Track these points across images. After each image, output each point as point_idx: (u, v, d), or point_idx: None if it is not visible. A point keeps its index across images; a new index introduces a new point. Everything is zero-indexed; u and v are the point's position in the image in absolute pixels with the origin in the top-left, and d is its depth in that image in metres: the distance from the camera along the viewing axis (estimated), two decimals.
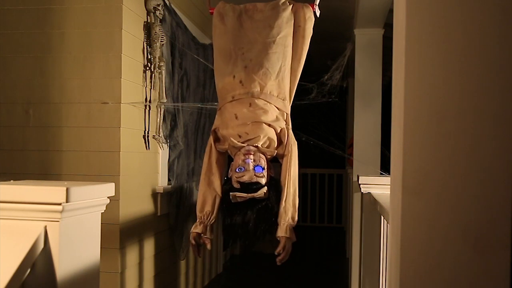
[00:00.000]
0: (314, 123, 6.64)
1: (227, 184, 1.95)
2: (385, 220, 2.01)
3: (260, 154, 1.90)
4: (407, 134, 0.74)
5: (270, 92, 1.96)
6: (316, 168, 7.48)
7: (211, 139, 2.03)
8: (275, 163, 2.02)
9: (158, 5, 2.87)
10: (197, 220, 2.00)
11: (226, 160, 2.09)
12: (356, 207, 3.89)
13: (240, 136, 1.93)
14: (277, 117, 1.97)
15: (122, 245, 2.62)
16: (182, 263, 3.60)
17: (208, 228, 1.99)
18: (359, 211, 3.76)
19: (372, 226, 2.60)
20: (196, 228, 1.99)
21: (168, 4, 3.07)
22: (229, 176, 1.95)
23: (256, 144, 1.91)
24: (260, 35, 2.05)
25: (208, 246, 2.00)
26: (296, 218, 1.92)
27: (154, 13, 2.87)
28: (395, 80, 0.80)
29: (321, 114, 7.23)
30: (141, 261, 2.88)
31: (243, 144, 1.91)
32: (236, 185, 1.88)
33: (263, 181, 1.88)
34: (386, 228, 2.03)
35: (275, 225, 1.91)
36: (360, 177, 2.75)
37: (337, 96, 4.12)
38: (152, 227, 3.03)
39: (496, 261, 0.71)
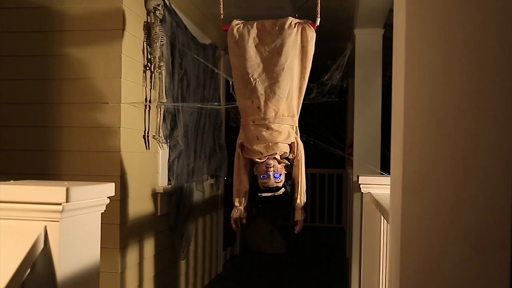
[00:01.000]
0: (314, 123, 6.65)
1: (255, 180, 2.52)
2: (385, 220, 2.01)
3: (278, 164, 2.43)
4: (407, 134, 0.74)
5: (282, 115, 2.38)
6: (316, 168, 7.48)
7: (238, 150, 2.53)
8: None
9: (158, 5, 2.87)
10: (234, 208, 2.60)
11: (249, 161, 2.61)
12: (356, 207, 3.89)
13: (262, 153, 2.43)
14: (289, 132, 2.41)
15: (122, 245, 2.62)
16: (182, 263, 3.60)
17: (243, 211, 2.60)
18: (359, 211, 3.75)
19: (372, 226, 2.60)
20: (235, 214, 2.59)
21: (168, 4, 3.07)
22: (254, 173, 2.50)
23: (274, 157, 2.42)
24: (271, 61, 2.38)
25: (244, 221, 2.64)
26: (305, 199, 2.54)
27: (154, 13, 2.86)
28: (395, 80, 0.80)
29: (321, 114, 7.23)
30: (141, 261, 2.88)
31: (264, 159, 2.43)
32: (261, 187, 2.47)
33: (281, 184, 2.47)
34: (386, 228, 2.03)
35: (288, 208, 2.66)
36: (360, 177, 2.75)
37: (337, 96, 4.12)
38: (152, 227, 3.03)
39: (496, 261, 0.71)
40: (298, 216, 2.57)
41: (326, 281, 4.76)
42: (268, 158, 2.43)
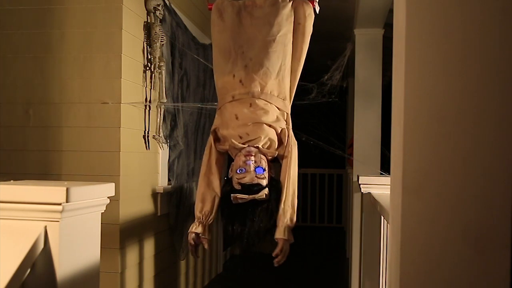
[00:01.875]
0: (314, 123, 6.64)
1: (227, 185, 1.93)
2: (385, 220, 2.01)
3: (261, 155, 1.89)
4: (407, 134, 0.74)
5: (270, 92, 1.95)
6: (316, 168, 7.48)
7: (211, 139, 2.01)
8: (275, 163, 2.02)
9: (158, 5, 2.87)
10: (196, 220, 1.99)
11: (225, 160, 2.09)
12: (356, 207, 3.89)
13: (240, 137, 1.91)
14: (277, 117, 1.96)
15: (122, 245, 2.62)
16: (182, 263, 3.60)
17: (206, 228, 1.98)
18: (359, 211, 3.76)
19: (372, 226, 2.60)
20: (194, 228, 1.98)
21: (168, 4, 3.07)
22: (229, 177, 1.93)
23: (257, 145, 1.89)
24: (260, 32, 2.02)
25: (206, 246, 2.00)
26: (295, 219, 1.92)
27: (154, 13, 2.86)
28: (395, 80, 0.80)
29: (321, 114, 7.23)
30: (141, 261, 2.88)
31: (243, 145, 1.90)
32: (237, 186, 1.87)
33: (264, 182, 1.87)
34: (386, 228, 2.03)
35: (275, 226, 1.92)
36: (360, 177, 2.75)
37: (337, 96, 4.13)
38: (152, 227, 3.03)
39: (496, 261, 0.71)
40: (280, 233, 1.89)
41: (326, 281, 4.76)
42: (248, 146, 1.89)
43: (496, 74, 0.71)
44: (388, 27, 3.92)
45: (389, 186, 0.88)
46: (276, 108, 1.97)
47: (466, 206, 0.72)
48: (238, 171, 1.85)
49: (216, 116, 2.04)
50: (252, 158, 1.84)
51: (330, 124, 7.35)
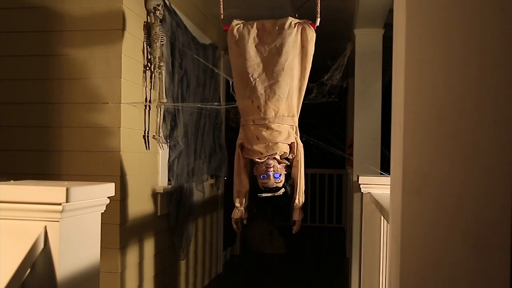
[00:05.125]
0: (314, 123, 6.64)
1: (254, 181, 2.52)
2: (385, 220, 2.01)
3: (278, 165, 2.43)
4: (407, 134, 0.74)
5: (282, 115, 2.38)
6: (316, 168, 7.48)
7: (238, 150, 2.52)
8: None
9: (158, 5, 2.87)
10: (235, 209, 2.58)
11: (249, 162, 2.60)
12: (356, 207, 3.89)
13: (261, 153, 2.42)
14: (289, 132, 2.40)
15: (122, 245, 2.62)
16: (182, 263, 3.60)
17: (244, 211, 2.59)
18: (359, 211, 3.75)
19: (372, 226, 2.60)
20: (236, 215, 2.58)
21: (168, 4, 3.07)
22: (254, 174, 2.49)
23: (274, 157, 2.42)
24: (271, 61, 2.38)
25: (245, 222, 2.63)
26: (303, 199, 2.54)
27: (154, 13, 2.86)
28: (395, 80, 0.80)
29: (321, 114, 7.23)
30: (141, 261, 2.88)
31: (264, 159, 2.43)
32: (261, 187, 2.47)
33: (281, 184, 2.47)
34: (386, 228, 2.03)
35: (288, 208, 2.57)
36: (360, 177, 2.75)
37: (337, 96, 4.13)
38: (152, 227, 3.03)
39: (496, 261, 0.71)
40: (296, 216, 2.59)
41: (326, 281, 4.76)
42: (268, 158, 2.43)
43: (496, 74, 0.71)
44: (388, 27, 3.92)
45: (389, 186, 0.88)
46: (287, 126, 2.41)
47: (466, 206, 0.72)
48: (261, 177, 2.44)
49: (241, 130, 2.50)
50: (271, 168, 2.42)
51: (330, 124, 7.36)
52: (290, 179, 2.53)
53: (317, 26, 2.40)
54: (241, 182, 2.57)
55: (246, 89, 2.42)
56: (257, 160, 2.45)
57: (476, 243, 0.71)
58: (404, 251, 0.74)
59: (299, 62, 2.40)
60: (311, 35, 2.39)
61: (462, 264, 0.72)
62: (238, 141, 2.52)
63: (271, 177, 2.43)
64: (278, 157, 2.44)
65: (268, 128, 2.38)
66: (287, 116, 2.40)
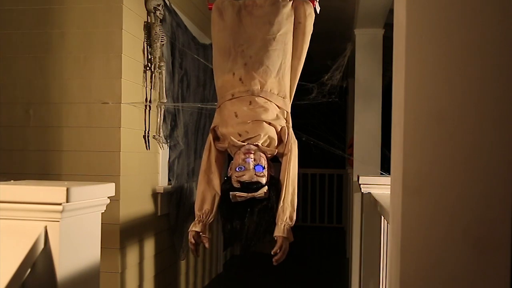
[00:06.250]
0: (314, 123, 6.63)
1: (226, 183, 1.92)
2: (385, 220, 2.01)
3: (261, 153, 1.88)
4: (407, 134, 0.74)
5: (270, 90, 1.94)
6: (316, 168, 7.48)
7: (210, 137, 2.01)
8: (275, 162, 2.01)
9: (158, 5, 2.87)
10: (196, 219, 1.98)
11: (225, 158, 2.09)
12: (356, 207, 3.89)
13: (240, 135, 1.91)
14: (277, 115, 1.95)
15: (122, 245, 2.62)
16: (182, 263, 3.60)
17: (206, 227, 1.96)
18: (359, 211, 3.75)
19: (372, 226, 2.60)
20: (194, 227, 1.96)
21: (168, 4, 3.07)
22: (228, 175, 1.93)
23: (257, 143, 1.89)
24: (260, 31, 2.02)
25: (207, 245, 1.99)
26: (294, 218, 1.91)
27: (154, 13, 2.86)
28: (395, 80, 0.80)
29: (321, 114, 7.22)
30: (141, 261, 2.88)
31: (243, 143, 1.90)
32: (236, 184, 1.86)
33: (264, 180, 1.86)
34: (386, 228, 2.03)
35: (274, 225, 1.90)
36: (360, 177, 2.75)
37: (337, 96, 4.12)
38: (152, 227, 3.03)
39: (496, 261, 0.71)
40: (279, 231, 1.86)
41: (326, 281, 4.76)
42: (248, 144, 1.88)
43: (497, 74, 0.71)
44: (388, 27, 3.91)
45: (389, 186, 0.88)
46: (276, 106, 1.96)
47: (466, 206, 0.72)
48: (237, 169, 1.84)
49: (216, 114, 2.04)
50: (252, 156, 1.84)
51: (330, 124, 7.35)
52: (277, 182, 1.93)
53: (319, 9, 2.20)
54: (209, 182, 1.96)
55: (228, 61, 2.00)
56: (232, 140, 1.88)
57: (476, 243, 0.71)
58: (404, 251, 0.74)
59: (295, 39, 2.05)
60: (309, 11, 2.07)
61: (462, 264, 0.72)
62: (211, 126, 2.02)
63: (251, 168, 1.82)
64: (261, 144, 1.89)
65: (251, 102, 1.90)
66: (277, 94, 1.96)
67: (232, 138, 1.89)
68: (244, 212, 1.86)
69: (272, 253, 1.89)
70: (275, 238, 1.89)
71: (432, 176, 0.73)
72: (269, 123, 1.93)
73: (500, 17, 0.70)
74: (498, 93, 0.71)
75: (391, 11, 3.43)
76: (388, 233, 1.88)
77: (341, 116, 7.28)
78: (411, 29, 0.74)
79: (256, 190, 1.83)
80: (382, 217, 2.07)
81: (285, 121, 1.99)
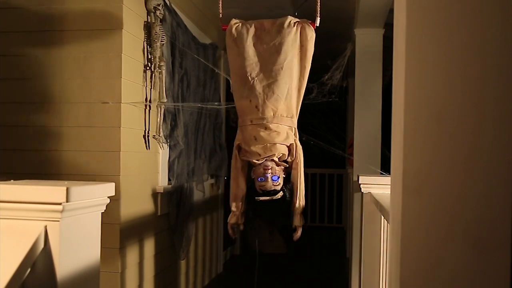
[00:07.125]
0: (314, 123, 6.64)
1: (251, 184, 2.46)
2: (385, 220, 2.01)
3: (276, 166, 2.38)
4: (407, 134, 0.74)
5: (280, 115, 2.33)
6: (316, 168, 7.48)
7: (235, 151, 2.47)
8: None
9: (159, 5, 2.87)
10: (231, 213, 2.52)
11: (247, 164, 2.55)
12: (356, 207, 3.89)
13: (259, 154, 2.37)
14: (287, 134, 2.35)
15: (122, 245, 2.62)
16: (182, 263, 3.60)
17: (240, 217, 2.52)
18: (359, 211, 3.75)
19: (372, 226, 2.60)
20: (232, 220, 2.52)
21: (168, 4, 3.07)
22: (252, 177, 2.43)
23: (272, 159, 2.36)
24: (270, 60, 2.35)
25: (241, 228, 2.57)
26: (304, 203, 2.46)
27: (154, 13, 2.86)
28: (395, 80, 0.80)
29: (321, 114, 7.23)
30: (141, 261, 2.88)
31: (262, 161, 2.38)
32: (259, 190, 2.40)
33: (279, 187, 2.41)
34: (386, 228, 2.03)
35: (287, 215, 2.49)
36: (360, 177, 2.75)
37: (337, 96, 4.12)
38: (152, 227, 3.03)
39: (496, 261, 0.71)
40: (297, 221, 2.48)
41: (326, 281, 4.76)
42: (266, 160, 2.37)
43: (496, 74, 0.71)
44: (388, 26, 3.91)
45: (389, 186, 0.88)
46: (286, 127, 2.36)
47: (466, 206, 0.72)
48: (259, 179, 2.38)
49: (238, 131, 2.45)
50: (269, 171, 2.36)
51: (330, 124, 7.35)
52: (289, 182, 2.46)
53: (317, 26, 2.39)
54: (238, 185, 2.50)
55: (244, 88, 2.37)
56: (254, 161, 2.39)
57: (476, 243, 0.71)
58: (404, 251, 0.74)
59: (298, 61, 2.36)
60: (311, 35, 2.35)
61: (462, 264, 0.72)
62: (236, 142, 2.48)
63: (269, 180, 2.37)
64: (276, 159, 2.38)
65: (266, 128, 2.33)
66: (286, 116, 2.35)
67: (254, 161, 2.40)
68: (266, 207, 2.46)
69: (294, 239, 2.49)
70: (294, 227, 2.49)
71: (432, 176, 0.73)
72: (281, 143, 2.37)
73: (500, 17, 0.70)
74: (498, 93, 0.71)
75: (391, 11, 3.43)
76: (388, 233, 1.89)
77: (341, 116, 7.28)
78: (411, 29, 0.74)
79: (274, 194, 2.40)
80: (382, 217, 2.08)
81: (293, 136, 2.39)
